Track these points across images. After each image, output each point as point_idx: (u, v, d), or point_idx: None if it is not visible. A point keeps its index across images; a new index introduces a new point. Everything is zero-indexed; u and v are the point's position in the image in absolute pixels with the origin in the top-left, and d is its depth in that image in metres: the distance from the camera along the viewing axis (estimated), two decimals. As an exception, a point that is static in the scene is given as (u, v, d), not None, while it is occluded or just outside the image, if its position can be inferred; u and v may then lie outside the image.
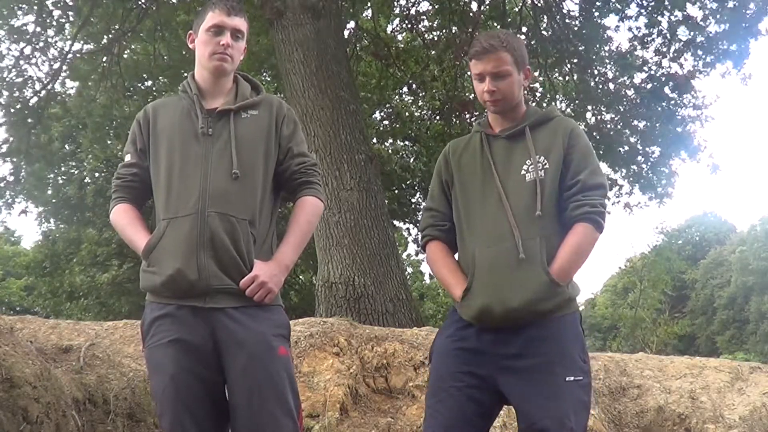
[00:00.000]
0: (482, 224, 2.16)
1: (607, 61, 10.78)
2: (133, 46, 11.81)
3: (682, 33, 9.71)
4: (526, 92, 2.32)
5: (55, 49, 10.14)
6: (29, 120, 9.70)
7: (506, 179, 2.17)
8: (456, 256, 2.31)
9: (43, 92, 9.84)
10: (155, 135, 2.25)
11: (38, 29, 9.48)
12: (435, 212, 2.33)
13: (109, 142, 13.32)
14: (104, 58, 10.01)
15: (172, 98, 2.39)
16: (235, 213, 2.14)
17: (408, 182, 16.80)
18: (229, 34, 2.23)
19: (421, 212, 16.71)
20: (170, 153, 2.20)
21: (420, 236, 2.40)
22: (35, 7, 9.34)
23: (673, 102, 10.39)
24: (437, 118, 13.01)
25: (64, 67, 9.98)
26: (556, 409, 2.01)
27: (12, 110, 9.61)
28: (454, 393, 2.10)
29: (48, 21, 9.65)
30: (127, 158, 2.31)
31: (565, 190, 2.15)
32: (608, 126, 11.11)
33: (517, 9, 10.97)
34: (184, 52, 10.43)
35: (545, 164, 2.15)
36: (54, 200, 16.81)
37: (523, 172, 2.16)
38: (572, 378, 2.06)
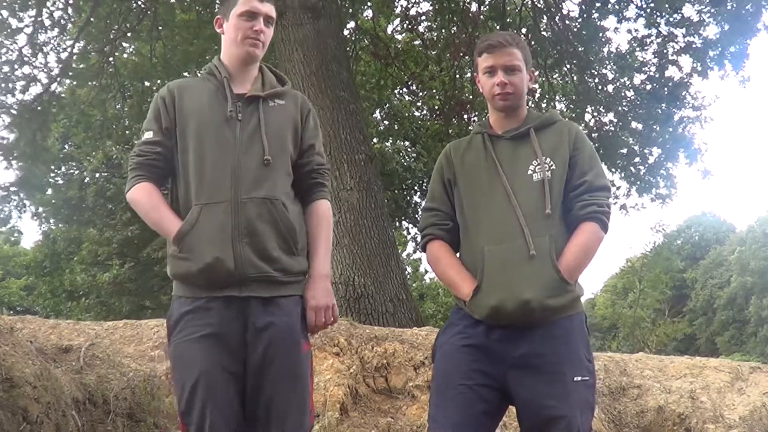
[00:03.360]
0: (489, 222, 2.16)
1: (606, 62, 10.77)
2: (131, 47, 11.82)
3: (680, 35, 9.71)
4: (527, 95, 2.34)
5: (55, 50, 10.14)
6: (32, 123, 9.69)
7: (513, 179, 2.17)
8: (457, 255, 2.30)
9: (45, 94, 9.83)
10: (182, 115, 2.20)
11: (38, 29, 9.47)
12: (437, 212, 2.31)
13: (109, 142, 13.30)
14: (101, 58, 10.00)
15: (196, 79, 2.33)
16: (269, 196, 2.13)
17: (408, 182, 16.81)
18: (262, 20, 2.22)
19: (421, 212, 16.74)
20: (199, 136, 2.16)
21: (420, 236, 2.38)
22: (34, 9, 9.33)
23: (672, 103, 10.37)
24: (436, 117, 13.01)
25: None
26: (564, 409, 2.02)
27: (15, 112, 9.61)
28: (464, 391, 2.08)
29: (48, 22, 9.65)
30: (149, 135, 2.22)
31: (571, 190, 2.18)
32: (607, 127, 11.12)
33: (516, 9, 10.96)
34: (182, 50, 10.44)
35: (551, 165, 2.17)
36: (54, 200, 16.82)
37: (529, 172, 2.17)
38: (579, 378, 2.07)
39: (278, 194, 2.15)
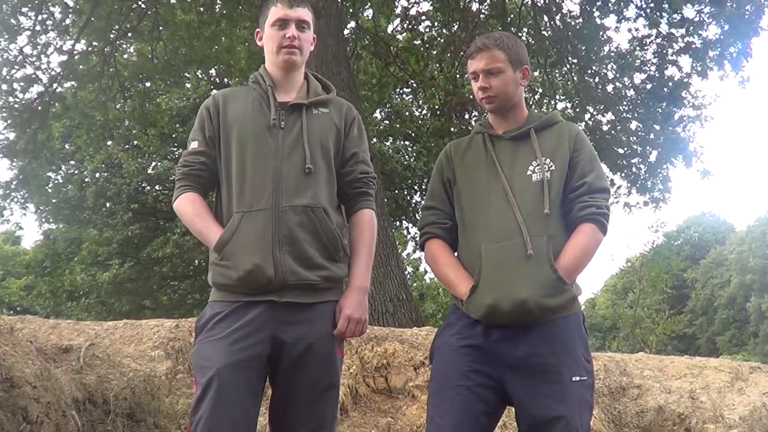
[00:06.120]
0: (488, 222, 2.16)
1: (606, 61, 10.77)
2: (132, 48, 11.81)
3: (680, 36, 9.70)
4: (526, 93, 2.33)
5: (57, 50, 10.13)
6: (32, 122, 9.68)
7: (512, 179, 2.18)
8: (455, 254, 2.30)
9: (46, 93, 9.83)
10: (226, 124, 2.22)
11: (39, 29, 9.47)
12: (436, 210, 2.32)
13: (110, 143, 13.30)
14: (101, 59, 10.01)
15: (241, 89, 2.36)
16: (309, 203, 2.13)
17: (408, 181, 16.81)
18: (294, 26, 2.23)
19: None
20: (242, 145, 2.17)
21: (419, 234, 2.38)
22: (35, 10, 9.33)
23: (672, 103, 10.36)
24: (437, 117, 12.99)
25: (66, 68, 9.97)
26: (562, 409, 2.02)
27: (15, 111, 9.60)
28: (463, 392, 2.08)
29: (49, 22, 9.64)
30: (194, 145, 2.25)
31: (570, 192, 2.18)
32: (606, 127, 11.11)
33: (517, 8, 10.96)
34: (183, 51, 10.42)
35: (551, 166, 2.17)
36: (54, 200, 16.80)
37: (529, 172, 2.17)
38: (578, 378, 2.07)
39: (320, 202, 2.15)
